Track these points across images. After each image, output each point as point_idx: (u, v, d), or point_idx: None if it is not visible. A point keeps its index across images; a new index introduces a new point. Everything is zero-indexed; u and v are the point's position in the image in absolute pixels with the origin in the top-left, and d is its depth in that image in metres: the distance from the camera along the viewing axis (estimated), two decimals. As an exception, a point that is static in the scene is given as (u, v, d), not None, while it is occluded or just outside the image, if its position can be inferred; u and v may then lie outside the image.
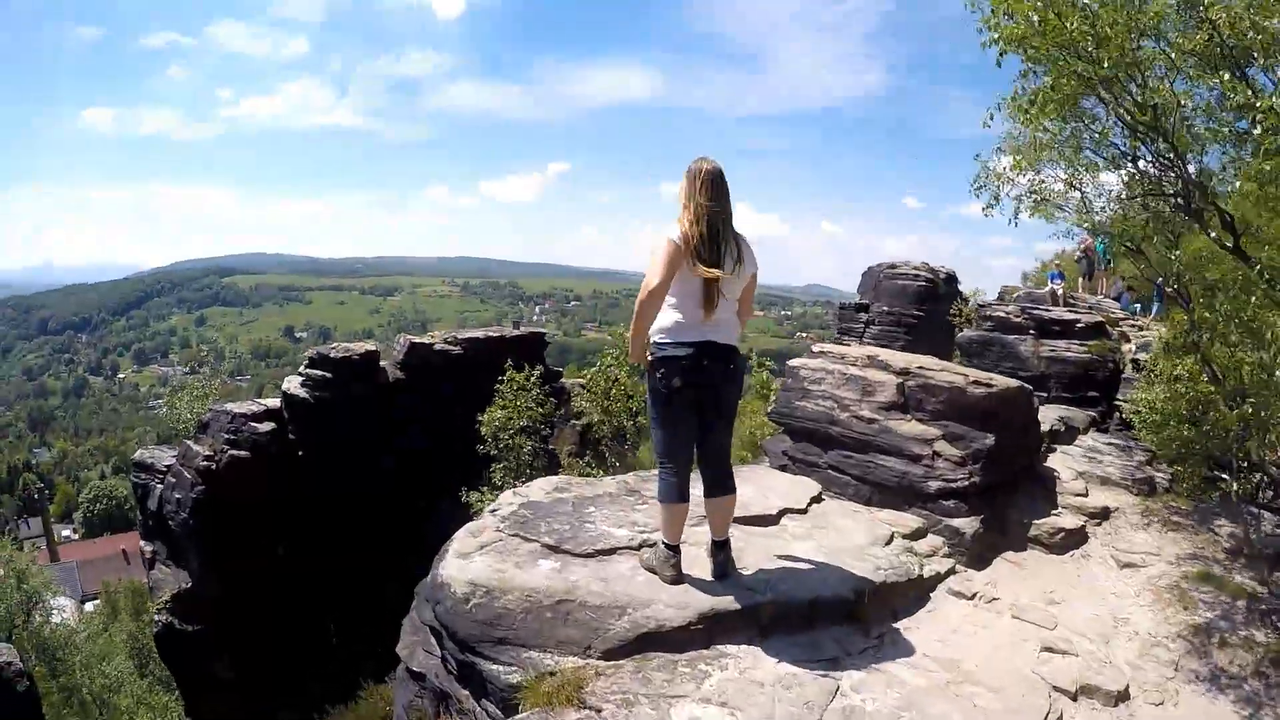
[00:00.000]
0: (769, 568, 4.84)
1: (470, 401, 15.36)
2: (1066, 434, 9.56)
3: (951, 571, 6.06)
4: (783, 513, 5.85)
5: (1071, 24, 4.58)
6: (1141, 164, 6.07)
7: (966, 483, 6.49)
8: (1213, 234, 5.58)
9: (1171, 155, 5.37)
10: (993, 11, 4.96)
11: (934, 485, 6.52)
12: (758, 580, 4.62)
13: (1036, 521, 7.01)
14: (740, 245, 4.24)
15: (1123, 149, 6.11)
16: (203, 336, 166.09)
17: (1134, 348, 14.11)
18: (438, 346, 18.98)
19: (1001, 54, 5.09)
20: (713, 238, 4.11)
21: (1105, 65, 4.73)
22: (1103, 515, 7.56)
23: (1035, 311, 15.25)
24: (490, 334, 20.25)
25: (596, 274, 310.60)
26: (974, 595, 5.78)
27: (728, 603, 4.30)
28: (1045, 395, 14.08)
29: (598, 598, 4.23)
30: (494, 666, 4.05)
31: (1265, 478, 7.26)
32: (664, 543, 4.47)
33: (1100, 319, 15.05)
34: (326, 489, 17.06)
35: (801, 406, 7.48)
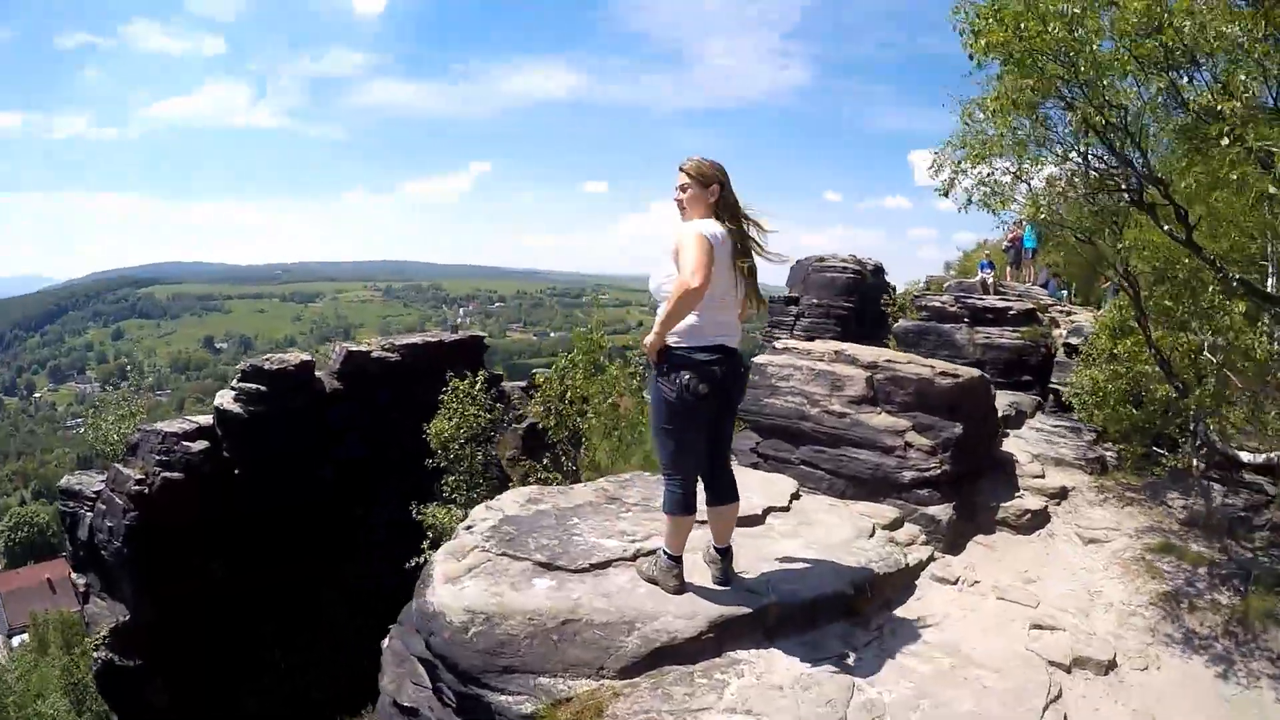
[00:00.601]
0: (766, 569, 4.82)
1: (408, 409, 15.05)
2: (1017, 419, 9.86)
3: (931, 558, 6.17)
4: (767, 511, 5.85)
5: (1054, 29, 4.71)
6: (1092, 160, 6.25)
7: (939, 471, 6.63)
8: (1166, 226, 5.78)
9: (1129, 152, 5.54)
10: (979, 15, 5.05)
11: (908, 475, 6.64)
12: (759, 583, 4.60)
13: (1003, 505, 7.19)
14: (750, 246, 4.21)
15: (1073, 145, 6.29)
16: (121, 350, 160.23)
17: (1064, 332, 14.59)
18: (375, 354, 18.50)
19: (980, 58, 5.20)
20: (744, 238, 4.09)
21: (1081, 69, 4.87)
22: (1061, 495, 7.79)
23: (969, 300, 15.68)
24: (429, 339, 19.80)
25: (520, 274, 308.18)
26: (957, 580, 5.90)
27: (735, 608, 4.26)
28: (982, 380, 14.55)
29: (603, 614, 4.13)
30: (503, 697, 3.90)
31: (1210, 451, 7.58)
32: (666, 553, 4.37)
33: (1031, 306, 15.55)
34: (263, 504, 16.52)
35: (770, 403, 7.52)
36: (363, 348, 18.68)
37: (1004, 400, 10.05)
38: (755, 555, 5.01)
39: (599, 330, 12.82)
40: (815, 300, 24.52)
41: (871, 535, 5.77)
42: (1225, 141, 4.27)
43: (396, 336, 20.60)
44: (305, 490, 17.03)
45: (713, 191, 4.09)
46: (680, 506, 4.23)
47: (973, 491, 7.17)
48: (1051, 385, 13.83)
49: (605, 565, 4.68)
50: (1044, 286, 18.63)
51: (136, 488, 15.73)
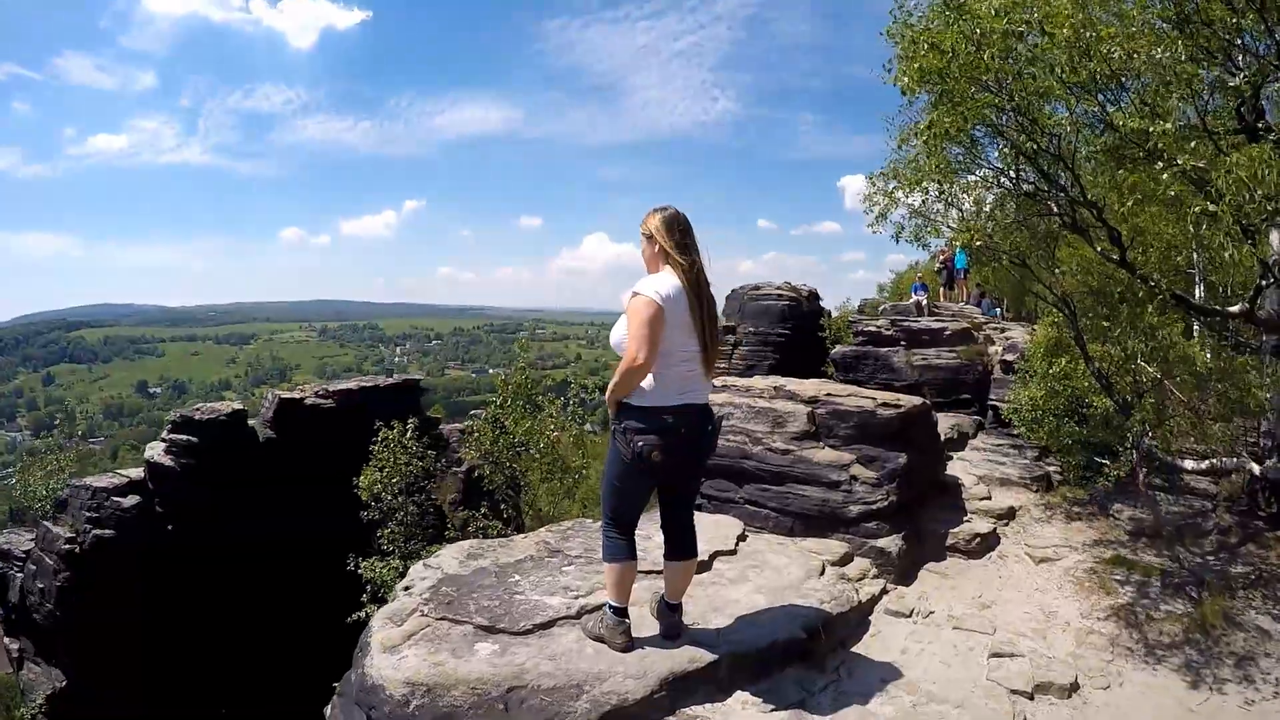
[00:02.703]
0: (715, 618, 4.65)
1: (346, 456, 14.62)
2: (959, 441, 9.91)
3: (884, 591, 6.08)
4: (713, 556, 5.67)
5: (988, 56, 4.70)
6: (1024, 185, 6.31)
7: (885, 503, 6.56)
8: (1099, 248, 5.85)
9: (1061, 176, 5.60)
10: (912, 42, 5.04)
11: (855, 509, 6.56)
12: (709, 634, 4.42)
13: (952, 531, 7.16)
14: (712, 295, 4.04)
15: (1003, 169, 6.35)
16: (51, 396, 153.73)
17: (1000, 349, 14.83)
18: (308, 401, 17.98)
19: (911, 90, 5.18)
20: (700, 293, 3.90)
21: (1016, 96, 4.89)
22: (1009, 515, 7.80)
23: (904, 323, 15.91)
24: (363, 384, 19.32)
25: (455, 311, 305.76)
26: (911, 612, 5.81)
27: (686, 663, 4.07)
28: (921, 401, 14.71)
29: (550, 679, 3.92)
30: (450, 772, 3.66)
31: (1152, 462, 7.68)
32: (611, 606, 4.18)
33: (966, 325, 15.83)
34: (199, 559, 16.02)
35: (711, 443, 7.36)
36: (295, 395, 18.15)
37: (945, 423, 10.13)
38: (704, 603, 4.84)
39: (522, 372, 12.59)
40: (752, 329, 24.63)
41: (822, 574, 5.64)
42: (1159, 164, 4.30)
43: (330, 382, 20.07)
44: (242, 544, 16.44)
45: (656, 245, 3.94)
46: (621, 553, 4.08)
47: (921, 519, 7.14)
48: (990, 402, 14.05)
49: (549, 625, 4.46)
50: (977, 304, 18.97)
51: (67, 546, 15.29)
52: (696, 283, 3.90)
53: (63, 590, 15.00)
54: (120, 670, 15.13)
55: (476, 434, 12.84)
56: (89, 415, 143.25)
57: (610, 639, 4.16)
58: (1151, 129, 4.36)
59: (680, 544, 4.23)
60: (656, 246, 3.95)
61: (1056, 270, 6.92)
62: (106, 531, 15.53)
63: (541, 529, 6.35)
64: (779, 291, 25.16)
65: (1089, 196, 5.56)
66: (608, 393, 3.92)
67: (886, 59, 5.61)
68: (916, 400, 7.48)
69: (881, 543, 6.43)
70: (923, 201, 6.96)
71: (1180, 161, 4.23)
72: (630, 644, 4.15)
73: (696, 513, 6.95)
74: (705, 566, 5.53)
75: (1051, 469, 9.23)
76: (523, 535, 6.39)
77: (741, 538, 6.18)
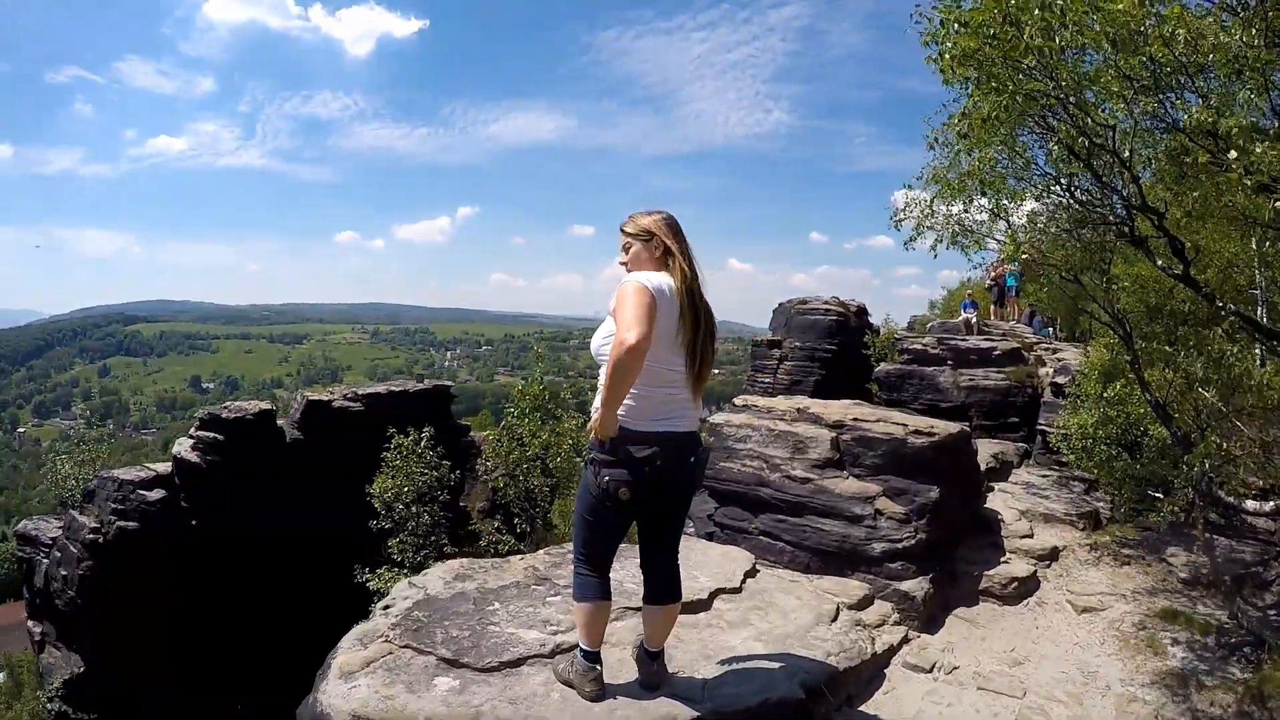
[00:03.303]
0: (706, 668, 4.14)
1: (371, 457, 14.41)
2: (1002, 470, 9.24)
3: (905, 640, 5.50)
4: (715, 594, 5.16)
5: (1029, 35, 4.11)
6: (1077, 192, 5.69)
7: (913, 541, 5.95)
8: (1159, 261, 5.21)
9: (1120, 179, 4.98)
10: (942, 24, 4.47)
11: (878, 547, 5.95)
12: (695, 686, 3.91)
13: (987, 573, 6.53)
14: (711, 310, 3.54)
15: (1055, 175, 5.73)
16: (107, 387, 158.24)
17: (1051, 371, 14.10)
18: (336, 404, 17.86)
19: (950, 72, 4.61)
20: (696, 306, 3.42)
21: (1064, 81, 4.31)
22: (1052, 556, 7.16)
23: (952, 342, 15.24)
24: (393, 389, 19.17)
25: (508, 318, 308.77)
26: (932, 666, 5.22)
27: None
28: (968, 424, 14.00)
29: (506, 730, 3.45)
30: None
31: (1214, 501, 6.96)
32: (582, 650, 3.69)
33: (1016, 345, 15.12)
34: (222, 557, 16.06)
35: (726, 468, 6.83)
36: (324, 397, 18.03)
37: (987, 451, 9.43)
38: (697, 650, 4.34)
39: (538, 382, 12.17)
40: (798, 343, 24.06)
41: (834, 619, 5.09)
42: (1233, 154, 3.67)
43: (360, 386, 19.91)
44: (265, 544, 16.40)
45: (658, 245, 3.47)
46: (593, 592, 3.59)
47: (952, 559, 6.54)
48: (1039, 427, 13.35)
49: (519, 663, 4.00)
50: (1028, 323, 18.20)
51: (91, 536, 15.46)
52: (693, 295, 3.42)
53: (85, 578, 15.12)
54: (138, 659, 15.23)
55: (495, 442, 12.47)
56: (143, 407, 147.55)
57: (579, 686, 3.68)
58: (1218, 124, 3.74)
59: (659, 588, 3.72)
60: (659, 248, 3.47)
61: (1113, 286, 6.26)
62: (131, 523, 15.71)
63: (540, 551, 5.92)
64: (826, 306, 24.58)
65: (1149, 202, 4.92)
66: (598, 401, 3.36)
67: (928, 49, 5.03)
68: (953, 428, 6.81)
69: (906, 585, 5.81)
70: (964, 209, 6.37)
71: (1252, 156, 3.59)
72: (600, 693, 3.65)
73: (708, 542, 6.46)
74: (704, 605, 5.03)
75: (1100, 505, 8.55)
76: (519, 556, 5.96)
77: (751, 573, 5.65)
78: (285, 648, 16.10)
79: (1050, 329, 18.55)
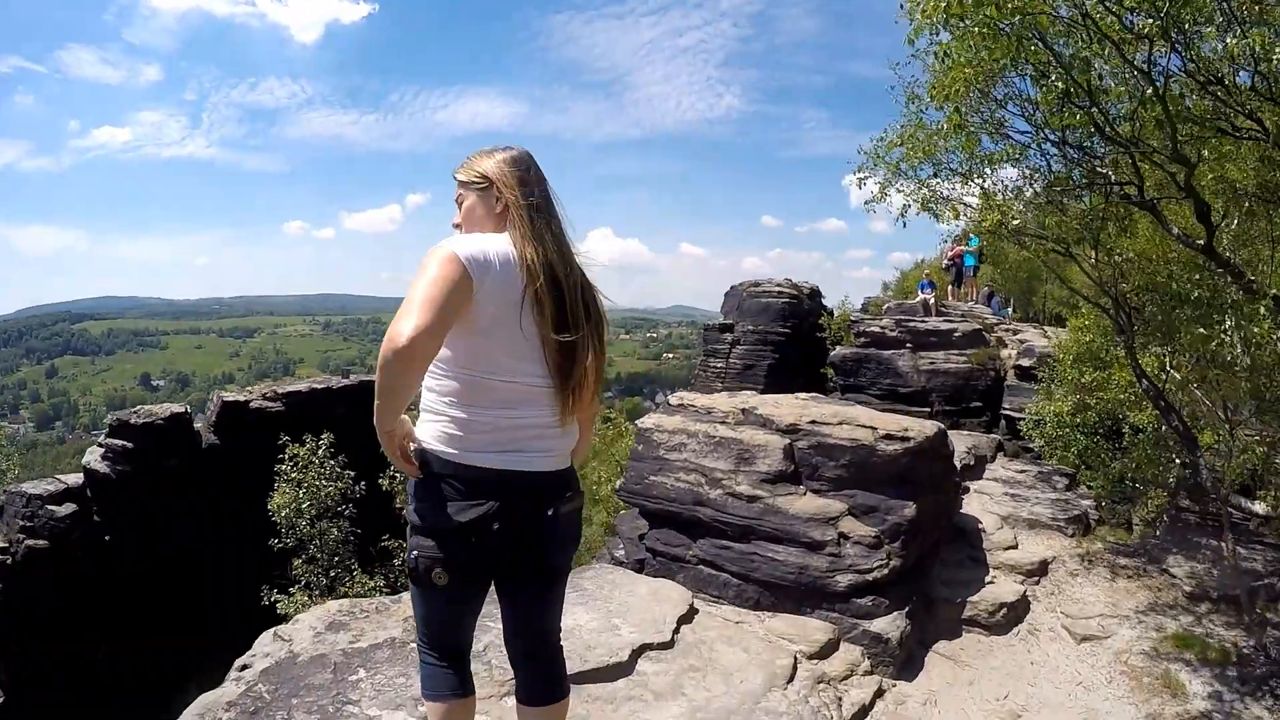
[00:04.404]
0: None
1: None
2: (977, 467, 8.28)
3: (879, 695, 4.45)
4: (639, 651, 4.04)
5: None
6: (1069, 151, 4.71)
7: (885, 569, 4.88)
8: (1175, 230, 4.21)
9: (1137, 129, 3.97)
10: None
11: (843, 580, 4.84)
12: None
13: (970, 599, 5.52)
14: (594, 294, 2.33)
15: (1042, 128, 4.75)
16: (54, 389, 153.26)
17: (1014, 353, 13.36)
18: (254, 404, 16.40)
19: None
20: (559, 284, 2.21)
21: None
22: (1040, 570, 6.21)
23: (910, 324, 14.43)
24: (314, 385, 17.62)
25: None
26: (914, 728, 4.21)
27: None
28: (929, 410, 13.18)
29: None
30: None
31: (1216, 500, 6.08)
32: None
33: (976, 326, 14.39)
34: (140, 571, 14.67)
35: (658, 483, 5.66)
36: (241, 397, 16.55)
37: (961, 445, 8.43)
38: (611, 740, 3.26)
39: None
40: (750, 327, 23.18)
41: (791, 678, 4.03)
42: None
43: (279, 384, 18.33)
44: (183, 557, 15.15)
45: (497, 197, 2.27)
46: (444, 688, 2.38)
47: (930, 582, 5.52)
48: (1004, 411, 12.61)
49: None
50: (986, 303, 17.53)
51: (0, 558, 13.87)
52: (551, 269, 2.20)
53: (-5, 604, 13.78)
54: (54, 689, 13.88)
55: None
56: (92, 408, 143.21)
57: None
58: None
59: (532, 684, 2.51)
60: (499, 203, 2.26)
61: (1115, 257, 5.25)
62: (40, 542, 14.24)
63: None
64: (779, 288, 23.71)
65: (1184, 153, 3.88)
66: (375, 420, 2.12)
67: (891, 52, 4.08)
68: (929, 428, 5.68)
69: (878, 625, 4.72)
70: (935, 174, 5.41)
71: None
72: None
73: (633, 576, 5.23)
74: (625, 669, 3.92)
75: (1087, 504, 7.67)
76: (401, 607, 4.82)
77: (686, 617, 4.56)
78: (203, 671, 14.92)
79: (1009, 310, 17.94)
